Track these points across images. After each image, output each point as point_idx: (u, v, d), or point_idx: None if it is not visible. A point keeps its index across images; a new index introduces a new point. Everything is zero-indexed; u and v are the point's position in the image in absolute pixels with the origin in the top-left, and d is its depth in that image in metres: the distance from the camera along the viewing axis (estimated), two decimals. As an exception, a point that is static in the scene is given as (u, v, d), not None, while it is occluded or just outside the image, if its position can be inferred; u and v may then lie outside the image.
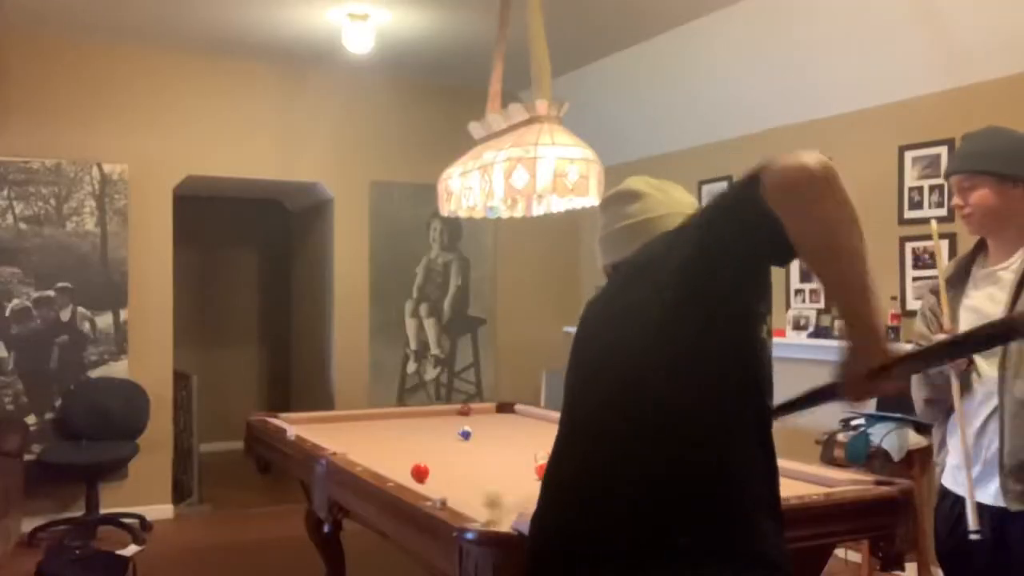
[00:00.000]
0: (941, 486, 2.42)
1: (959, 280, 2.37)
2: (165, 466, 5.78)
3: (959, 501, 2.28)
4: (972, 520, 2.21)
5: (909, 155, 4.55)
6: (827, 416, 4.56)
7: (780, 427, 1.56)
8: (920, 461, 4.02)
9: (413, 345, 6.59)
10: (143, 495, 5.61)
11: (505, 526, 2.02)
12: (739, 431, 1.49)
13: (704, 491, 1.46)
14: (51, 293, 5.48)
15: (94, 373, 5.54)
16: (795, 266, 5.18)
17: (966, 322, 2.30)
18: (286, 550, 4.77)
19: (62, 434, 5.38)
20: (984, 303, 2.29)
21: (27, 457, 5.19)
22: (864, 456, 4.03)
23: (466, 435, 3.59)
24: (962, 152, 2.37)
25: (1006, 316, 2.14)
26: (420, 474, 2.69)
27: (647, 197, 1.77)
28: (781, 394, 1.58)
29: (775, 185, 1.39)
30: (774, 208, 1.37)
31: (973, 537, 2.20)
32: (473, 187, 3.36)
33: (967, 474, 2.23)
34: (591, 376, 1.65)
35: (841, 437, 4.25)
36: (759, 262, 1.49)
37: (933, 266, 4.29)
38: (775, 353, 1.59)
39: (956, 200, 2.34)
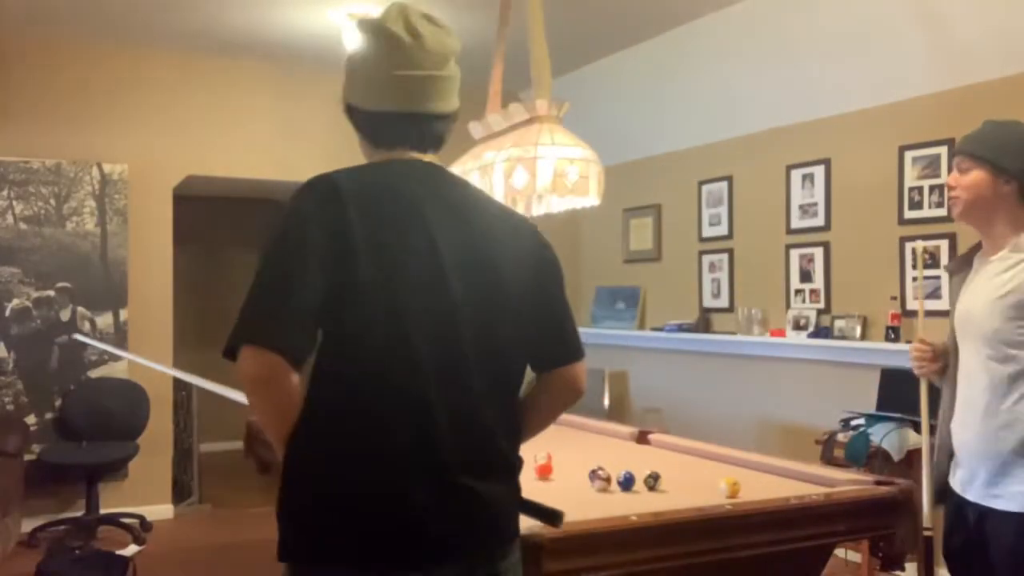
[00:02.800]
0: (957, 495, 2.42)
1: (963, 268, 2.38)
2: (165, 466, 5.78)
3: (964, 500, 2.29)
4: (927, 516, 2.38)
5: (909, 155, 4.54)
6: (827, 416, 4.57)
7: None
8: (920, 461, 4.01)
9: (413, 345, 6.57)
10: (143, 495, 5.62)
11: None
12: None
13: None
14: (51, 293, 5.48)
15: (94, 373, 5.54)
16: (795, 267, 5.18)
17: (961, 313, 2.33)
18: (286, 550, 4.76)
19: (62, 434, 5.38)
20: (987, 290, 2.30)
21: (27, 457, 5.19)
22: (864, 456, 4.03)
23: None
24: (973, 134, 2.32)
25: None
26: (544, 471, 2.81)
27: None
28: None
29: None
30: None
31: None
32: (473, 187, 3.36)
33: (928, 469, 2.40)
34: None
35: (841, 437, 4.25)
36: None
37: (934, 266, 4.30)
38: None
39: (950, 179, 2.32)
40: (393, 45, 1.58)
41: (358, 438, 1.47)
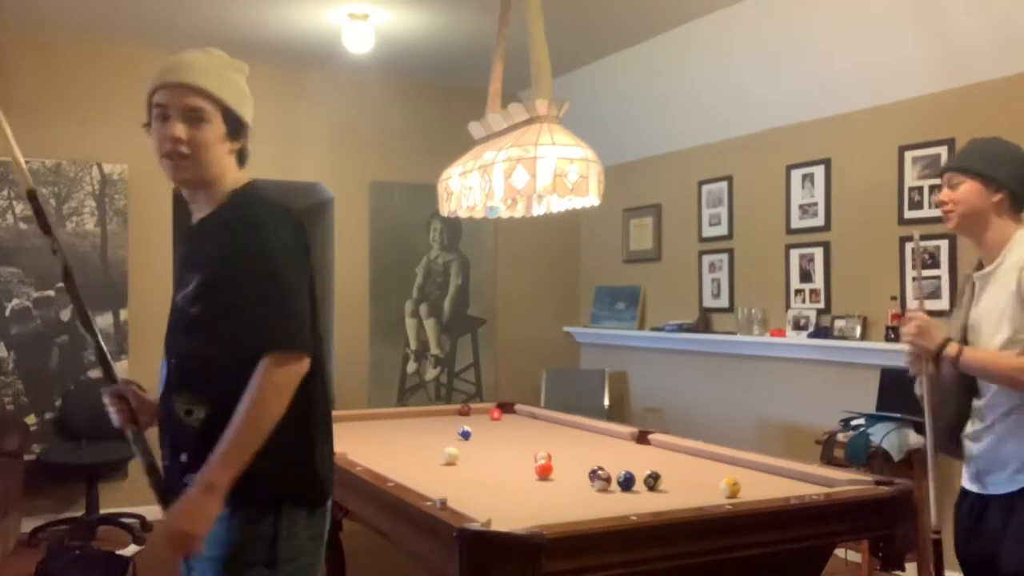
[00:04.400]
0: (961, 488, 2.44)
1: (969, 287, 2.46)
2: (165, 466, 5.77)
3: (979, 502, 2.32)
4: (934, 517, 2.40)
5: (909, 155, 4.54)
6: (827, 416, 4.57)
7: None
8: (920, 461, 4.01)
9: (413, 345, 6.59)
10: (143, 495, 5.54)
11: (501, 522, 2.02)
12: None
13: None
14: (51, 293, 5.48)
15: (94, 373, 5.53)
16: (795, 267, 5.18)
17: (981, 321, 2.37)
18: (286, 550, 4.76)
19: (62, 434, 5.38)
20: (988, 303, 2.36)
21: (27, 457, 5.19)
22: (864, 456, 4.03)
23: (466, 435, 3.59)
24: (960, 152, 2.48)
25: None
26: (544, 471, 2.83)
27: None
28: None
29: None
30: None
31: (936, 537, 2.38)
32: (473, 187, 3.37)
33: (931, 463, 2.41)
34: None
35: (841, 437, 4.25)
36: None
37: (934, 266, 4.30)
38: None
39: (941, 195, 2.43)
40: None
41: (322, 415, 1.89)
